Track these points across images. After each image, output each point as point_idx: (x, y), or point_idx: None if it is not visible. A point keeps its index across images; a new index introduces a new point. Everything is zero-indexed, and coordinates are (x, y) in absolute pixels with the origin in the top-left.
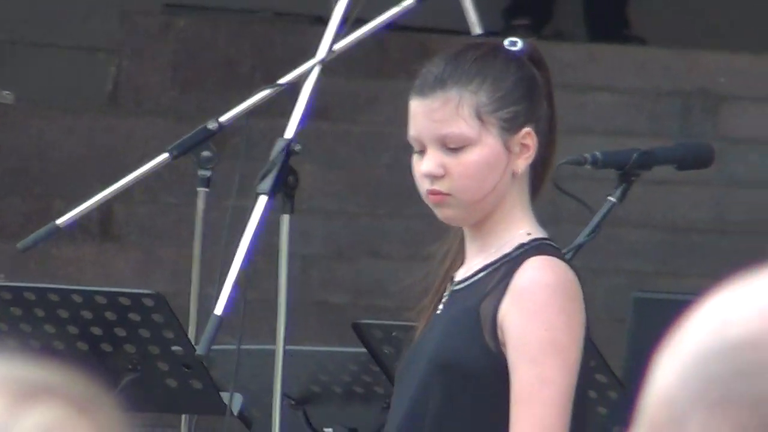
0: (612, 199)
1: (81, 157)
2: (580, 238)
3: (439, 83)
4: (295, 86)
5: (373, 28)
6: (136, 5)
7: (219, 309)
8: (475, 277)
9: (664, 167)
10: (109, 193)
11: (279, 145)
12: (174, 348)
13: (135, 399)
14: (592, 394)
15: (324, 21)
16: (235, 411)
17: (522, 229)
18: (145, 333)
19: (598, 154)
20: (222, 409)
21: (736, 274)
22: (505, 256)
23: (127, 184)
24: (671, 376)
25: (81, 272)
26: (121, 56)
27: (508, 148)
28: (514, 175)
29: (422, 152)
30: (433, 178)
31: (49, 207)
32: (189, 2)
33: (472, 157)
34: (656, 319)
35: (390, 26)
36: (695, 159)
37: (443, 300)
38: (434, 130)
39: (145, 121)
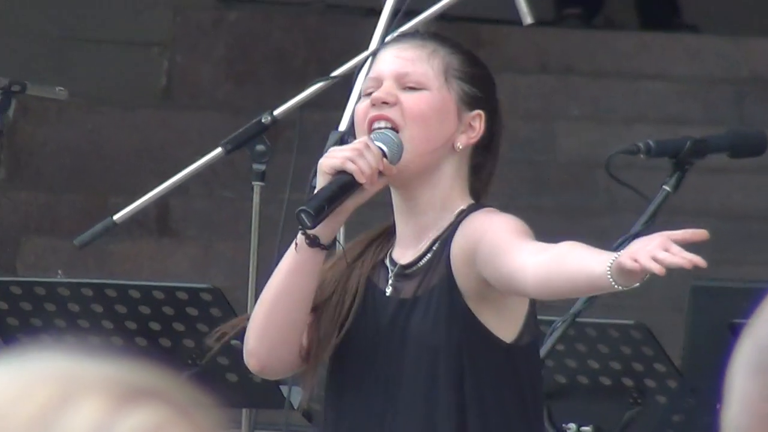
0: (666, 188)
1: (136, 153)
2: (636, 227)
3: (419, 36)
4: (348, 78)
5: (424, 18)
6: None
7: None
8: (425, 258)
9: (718, 155)
10: (165, 188)
11: (333, 138)
12: (233, 342)
13: None
14: (651, 383)
15: (376, 13)
16: (295, 404)
17: (459, 208)
18: (203, 327)
19: (651, 142)
20: (281, 402)
21: None
22: (449, 225)
23: (182, 178)
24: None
25: (138, 268)
26: (174, 51)
27: (459, 119)
28: (454, 148)
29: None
30: (383, 104)
31: (105, 203)
32: None
33: (425, 97)
34: (715, 307)
35: (442, 17)
36: (748, 146)
37: (389, 282)
38: (398, 66)
39: (200, 116)
